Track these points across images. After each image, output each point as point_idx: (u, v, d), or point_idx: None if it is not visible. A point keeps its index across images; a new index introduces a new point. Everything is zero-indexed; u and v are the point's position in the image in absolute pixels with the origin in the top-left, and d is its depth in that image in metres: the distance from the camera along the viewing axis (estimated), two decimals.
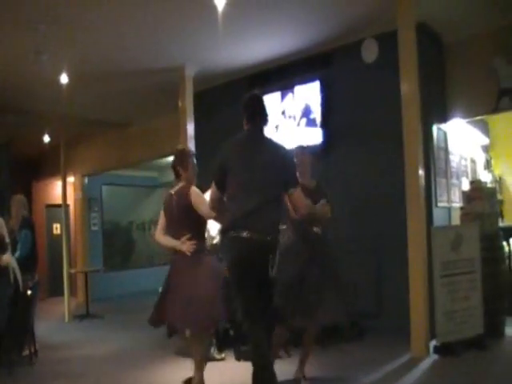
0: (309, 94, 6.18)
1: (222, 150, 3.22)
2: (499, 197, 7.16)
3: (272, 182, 3.10)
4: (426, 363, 4.40)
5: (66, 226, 8.31)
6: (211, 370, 3.89)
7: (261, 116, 3.23)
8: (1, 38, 5.31)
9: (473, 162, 7.23)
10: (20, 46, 5.33)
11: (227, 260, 3.23)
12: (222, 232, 3.30)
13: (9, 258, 4.78)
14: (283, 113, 6.42)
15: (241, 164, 3.12)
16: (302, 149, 4.08)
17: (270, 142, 3.27)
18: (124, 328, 6.99)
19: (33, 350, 5.00)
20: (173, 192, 3.77)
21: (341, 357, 4.76)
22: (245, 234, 3.02)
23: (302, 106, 6.24)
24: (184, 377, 3.88)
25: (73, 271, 8.88)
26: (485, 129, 7.42)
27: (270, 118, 3.32)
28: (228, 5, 4.30)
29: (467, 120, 6.02)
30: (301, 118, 6.26)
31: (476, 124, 6.65)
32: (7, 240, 4.82)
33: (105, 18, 5.02)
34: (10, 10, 4.68)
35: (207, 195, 3.46)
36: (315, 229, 3.94)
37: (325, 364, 4.52)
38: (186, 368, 3.97)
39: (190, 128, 6.50)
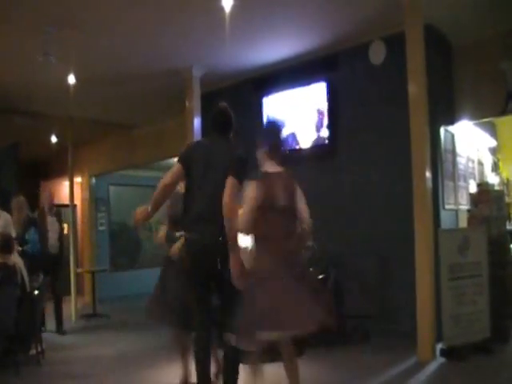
0: (316, 95, 6.17)
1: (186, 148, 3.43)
2: (507, 199, 7.10)
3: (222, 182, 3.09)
4: (432, 366, 4.38)
5: (74, 226, 8.35)
6: None
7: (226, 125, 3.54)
8: (9, 40, 5.36)
9: (480, 164, 7.18)
10: (28, 48, 5.35)
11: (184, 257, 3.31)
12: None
13: (16, 259, 4.81)
14: (291, 114, 6.41)
15: (199, 162, 3.23)
16: None
17: (226, 146, 3.38)
18: (131, 328, 7.02)
19: (39, 350, 5.02)
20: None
21: (346, 359, 4.74)
22: (195, 237, 3.13)
23: (310, 108, 6.23)
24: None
25: (80, 271, 8.92)
26: (492, 131, 7.38)
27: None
28: (235, 7, 4.32)
29: (475, 122, 5.99)
30: (308, 119, 6.25)
31: (484, 126, 6.61)
32: (14, 240, 4.85)
33: (113, 21, 5.06)
34: (19, 12, 4.72)
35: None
36: None
37: (330, 366, 4.51)
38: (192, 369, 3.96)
39: (197, 129, 6.51)
